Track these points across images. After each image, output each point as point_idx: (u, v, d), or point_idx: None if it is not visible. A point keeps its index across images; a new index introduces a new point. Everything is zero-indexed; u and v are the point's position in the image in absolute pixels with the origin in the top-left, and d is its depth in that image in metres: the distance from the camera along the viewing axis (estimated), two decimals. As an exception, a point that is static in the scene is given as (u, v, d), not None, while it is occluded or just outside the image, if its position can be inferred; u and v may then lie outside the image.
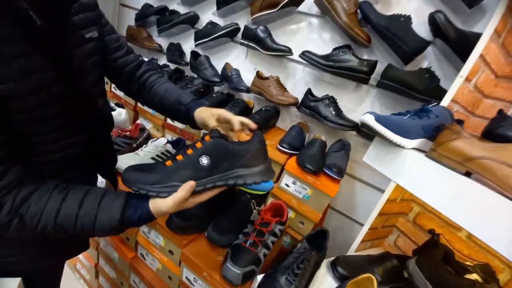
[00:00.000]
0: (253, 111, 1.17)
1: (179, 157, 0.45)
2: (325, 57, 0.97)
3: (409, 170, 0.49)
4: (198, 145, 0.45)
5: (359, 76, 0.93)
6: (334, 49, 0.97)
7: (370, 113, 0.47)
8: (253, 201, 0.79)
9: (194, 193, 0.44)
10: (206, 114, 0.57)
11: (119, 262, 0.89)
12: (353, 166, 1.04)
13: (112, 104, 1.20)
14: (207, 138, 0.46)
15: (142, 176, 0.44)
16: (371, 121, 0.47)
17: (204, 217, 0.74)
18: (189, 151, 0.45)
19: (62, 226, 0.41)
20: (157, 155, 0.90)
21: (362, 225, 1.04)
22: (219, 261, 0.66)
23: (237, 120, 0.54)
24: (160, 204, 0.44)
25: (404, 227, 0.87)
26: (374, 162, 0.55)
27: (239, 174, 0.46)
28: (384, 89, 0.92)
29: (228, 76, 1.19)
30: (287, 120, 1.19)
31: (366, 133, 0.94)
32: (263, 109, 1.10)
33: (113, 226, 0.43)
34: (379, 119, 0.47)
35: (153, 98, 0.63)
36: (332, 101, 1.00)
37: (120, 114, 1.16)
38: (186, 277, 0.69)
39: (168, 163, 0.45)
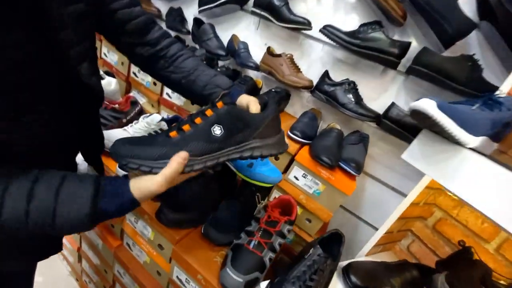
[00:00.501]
0: (261, 92, 1.04)
1: (186, 127, 0.37)
2: (351, 34, 0.84)
3: (466, 175, 0.38)
4: (209, 112, 0.37)
5: (388, 59, 0.80)
6: (362, 25, 0.83)
7: (430, 98, 0.36)
8: (258, 194, 0.69)
9: (205, 167, 0.38)
10: (248, 103, 0.44)
11: (102, 249, 0.79)
12: (368, 162, 0.94)
13: (101, 72, 1.05)
14: (219, 104, 0.38)
15: (140, 150, 0.35)
16: (431, 108, 0.35)
17: (201, 209, 0.64)
18: (198, 120, 0.37)
19: (10, 226, 0.30)
20: (149, 134, 0.78)
21: (373, 227, 0.97)
22: (217, 263, 0.56)
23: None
24: (145, 184, 0.34)
25: (421, 232, 0.79)
26: (417, 162, 0.45)
27: (255, 146, 0.41)
28: (416, 76, 0.80)
29: (235, 49, 1.05)
30: (297, 105, 1.07)
31: (388, 126, 0.83)
32: (273, 90, 0.97)
33: (80, 223, 0.32)
34: (442, 106, 0.35)
35: (175, 75, 0.50)
36: (352, 87, 0.88)
37: (109, 84, 1.01)
38: (177, 277, 0.60)
39: (173, 134, 0.37)
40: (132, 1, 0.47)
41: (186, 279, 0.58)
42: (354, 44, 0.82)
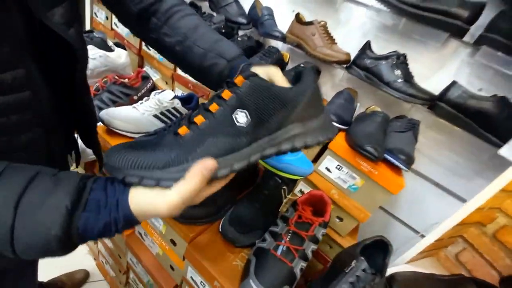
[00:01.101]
0: (288, 66, 0.90)
1: (199, 119, 0.27)
2: (407, -8, 0.66)
3: None
4: (226, 94, 0.27)
5: (454, 24, 0.63)
6: (422, -19, 0.65)
7: None
8: (284, 187, 0.59)
9: (233, 171, 0.27)
10: (269, 76, 0.31)
11: (116, 236, 0.74)
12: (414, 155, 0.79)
13: (111, 43, 0.95)
14: (238, 80, 0.27)
15: (142, 156, 0.25)
16: None
17: (218, 202, 0.54)
18: (213, 107, 0.27)
19: None
20: (161, 113, 0.68)
21: (411, 228, 0.82)
22: (237, 268, 0.48)
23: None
24: (152, 201, 0.24)
25: (476, 240, 0.66)
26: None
27: (296, 133, 0.29)
28: (489, 46, 0.62)
29: (258, 17, 0.90)
30: (328, 84, 0.92)
31: (445, 111, 0.67)
32: (302, 65, 0.83)
33: (46, 248, 0.22)
34: None
35: (171, 34, 0.38)
36: (402, 61, 0.72)
37: (119, 57, 0.91)
38: (192, 278, 0.53)
39: (183, 130, 0.27)
40: None
41: (201, 282, 0.50)
42: (412, 5, 0.64)
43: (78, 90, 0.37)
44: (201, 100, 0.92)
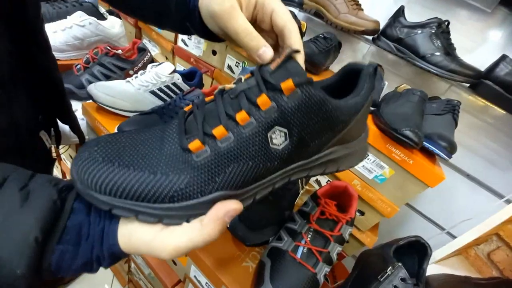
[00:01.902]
0: (304, 38, 0.78)
1: (220, 132, 0.19)
2: None
3: None
4: (264, 102, 0.19)
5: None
6: None
7: None
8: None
9: (254, 202, 0.22)
10: (213, 17, 0.23)
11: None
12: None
13: (103, 10, 0.84)
14: (286, 86, 0.19)
15: (138, 179, 0.18)
16: None
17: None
18: (242, 117, 0.19)
19: None
20: (160, 89, 0.59)
21: (436, 225, 0.73)
22: (247, 270, 0.41)
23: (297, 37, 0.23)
24: (152, 241, 0.18)
25: (514, 238, 0.58)
26: None
27: (330, 158, 0.24)
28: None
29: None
30: (349, 60, 0.81)
31: (491, 90, 0.57)
32: (322, 36, 0.71)
33: (11, 282, 0.16)
34: None
35: None
36: (443, 30, 0.60)
37: (112, 26, 0.80)
38: (196, 277, 0.46)
39: (195, 146, 0.19)
40: None
41: (206, 283, 0.44)
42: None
43: (33, 41, 0.31)
44: (205, 77, 0.81)
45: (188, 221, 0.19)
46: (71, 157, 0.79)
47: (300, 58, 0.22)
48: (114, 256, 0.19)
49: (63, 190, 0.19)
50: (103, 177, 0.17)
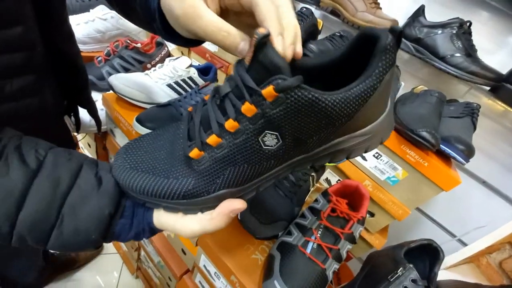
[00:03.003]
0: (320, 36, 0.77)
1: (213, 140, 0.20)
2: None
3: None
4: (248, 110, 0.18)
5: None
6: None
7: None
8: (313, 174, 0.50)
9: (258, 193, 0.24)
10: (178, 19, 0.19)
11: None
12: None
13: (123, 5, 0.85)
14: (266, 92, 0.17)
15: (157, 183, 0.22)
16: None
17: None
18: (230, 125, 0.19)
19: None
20: (176, 82, 0.60)
21: (447, 231, 0.71)
22: (256, 262, 0.41)
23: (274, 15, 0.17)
24: (175, 224, 0.23)
25: (530, 247, 0.56)
26: None
27: (338, 148, 0.21)
28: None
29: (289, -24, 0.76)
30: (363, 60, 0.79)
31: (513, 94, 0.54)
32: (338, 34, 0.70)
33: (82, 247, 0.22)
34: None
35: None
36: (465, 31, 0.58)
37: (132, 20, 0.82)
38: (205, 267, 0.47)
39: (195, 154, 0.21)
40: None
41: (215, 273, 0.45)
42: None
43: (59, 31, 0.33)
44: (219, 73, 0.82)
45: (202, 211, 0.23)
46: (89, 145, 0.81)
47: (288, 37, 0.17)
48: (152, 230, 0.24)
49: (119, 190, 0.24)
50: (132, 181, 0.22)
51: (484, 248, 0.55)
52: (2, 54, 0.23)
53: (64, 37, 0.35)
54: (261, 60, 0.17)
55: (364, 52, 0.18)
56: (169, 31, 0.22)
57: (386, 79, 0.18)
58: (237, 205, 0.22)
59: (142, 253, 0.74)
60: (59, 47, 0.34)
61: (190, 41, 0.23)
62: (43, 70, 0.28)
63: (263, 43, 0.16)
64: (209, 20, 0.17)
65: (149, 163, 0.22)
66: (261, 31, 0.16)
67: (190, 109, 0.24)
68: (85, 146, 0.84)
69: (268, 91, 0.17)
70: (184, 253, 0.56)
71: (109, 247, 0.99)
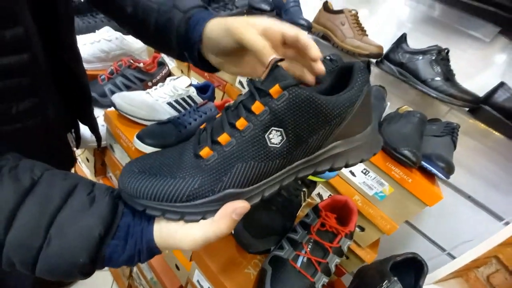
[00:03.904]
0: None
1: (224, 139, 0.22)
2: (458, -22, 0.57)
3: None
4: (257, 108, 0.21)
5: (508, 18, 0.54)
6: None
7: None
8: (304, 190, 0.52)
9: (263, 199, 0.24)
10: (228, 30, 0.26)
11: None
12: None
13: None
14: (273, 90, 0.21)
15: (160, 184, 0.22)
16: None
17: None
18: (241, 123, 0.22)
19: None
20: (176, 101, 0.63)
21: (438, 246, 0.73)
22: (249, 276, 0.42)
23: (312, 43, 0.25)
24: (175, 238, 0.22)
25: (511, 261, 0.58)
26: None
27: (336, 152, 0.24)
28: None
29: (283, 4, 0.82)
30: (353, 81, 0.84)
31: (490, 115, 0.58)
32: (328, 58, 0.75)
33: (69, 271, 0.21)
34: None
35: (122, 2, 0.33)
36: (443, 57, 0.63)
37: (135, 41, 0.86)
38: (198, 282, 0.48)
39: (205, 153, 0.22)
40: None
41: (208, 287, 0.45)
42: (463, -8, 0.55)
43: (67, 52, 0.35)
44: (217, 91, 0.86)
45: (204, 218, 0.22)
46: (87, 160, 0.83)
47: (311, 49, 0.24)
48: (150, 250, 0.22)
49: (116, 197, 0.23)
50: (137, 184, 0.22)
51: (470, 262, 0.57)
52: (7, 79, 0.24)
53: (72, 58, 0.37)
54: (275, 74, 0.22)
55: (344, 80, 0.24)
56: (196, 58, 0.30)
57: (365, 90, 0.23)
58: (240, 204, 0.22)
59: (135, 269, 0.73)
60: (67, 68, 0.36)
61: (212, 68, 0.30)
62: (49, 91, 0.30)
63: (277, 65, 0.22)
64: (254, 32, 0.24)
65: (157, 168, 0.23)
66: (276, 56, 0.23)
67: (202, 126, 0.26)
68: (84, 160, 0.86)
69: (274, 89, 0.21)
70: (178, 269, 0.56)
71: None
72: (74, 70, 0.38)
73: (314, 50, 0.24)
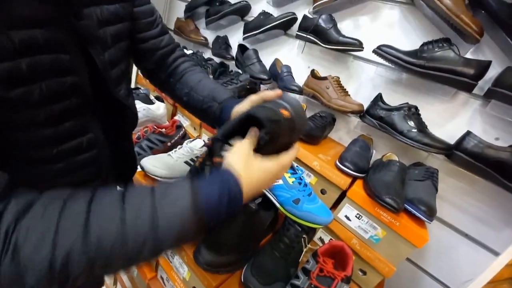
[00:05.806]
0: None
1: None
2: (412, 54, 0.71)
3: None
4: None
5: (462, 80, 0.65)
6: (425, 44, 0.70)
7: None
8: (304, 236, 0.58)
9: None
10: (239, 112, 0.40)
11: (137, 278, 0.75)
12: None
13: (152, 97, 1.08)
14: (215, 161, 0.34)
15: None
16: None
17: (240, 249, 0.55)
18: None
19: (100, 247, 0.22)
20: (191, 159, 0.74)
21: (440, 282, 0.74)
22: (258, 323, 0.46)
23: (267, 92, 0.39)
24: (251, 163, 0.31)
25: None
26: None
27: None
28: (498, 100, 0.63)
29: (278, 73, 0.99)
30: (343, 131, 0.95)
31: (463, 160, 0.65)
32: (318, 115, 0.87)
33: (184, 221, 0.25)
34: None
35: (181, 88, 0.48)
36: (413, 112, 0.73)
37: (158, 108, 1.03)
38: (212, 330, 0.51)
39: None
40: (162, 30, 0.46)
41: (222, 335, 0.48)
42: (417, 65, 0.69)
43: (129, 142, 0.48)
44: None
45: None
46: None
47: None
48: (237, 184, 0.28)
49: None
50: None
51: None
52: (83, 171, 0.35)
53: (129, 148, 0.50)
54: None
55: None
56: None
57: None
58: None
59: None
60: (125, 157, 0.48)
61: None
62: (107, 177, 0.40)
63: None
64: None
65: None
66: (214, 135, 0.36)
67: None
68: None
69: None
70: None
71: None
72: (131, 155, 0.51)
73: (270, 94, 0.38)
